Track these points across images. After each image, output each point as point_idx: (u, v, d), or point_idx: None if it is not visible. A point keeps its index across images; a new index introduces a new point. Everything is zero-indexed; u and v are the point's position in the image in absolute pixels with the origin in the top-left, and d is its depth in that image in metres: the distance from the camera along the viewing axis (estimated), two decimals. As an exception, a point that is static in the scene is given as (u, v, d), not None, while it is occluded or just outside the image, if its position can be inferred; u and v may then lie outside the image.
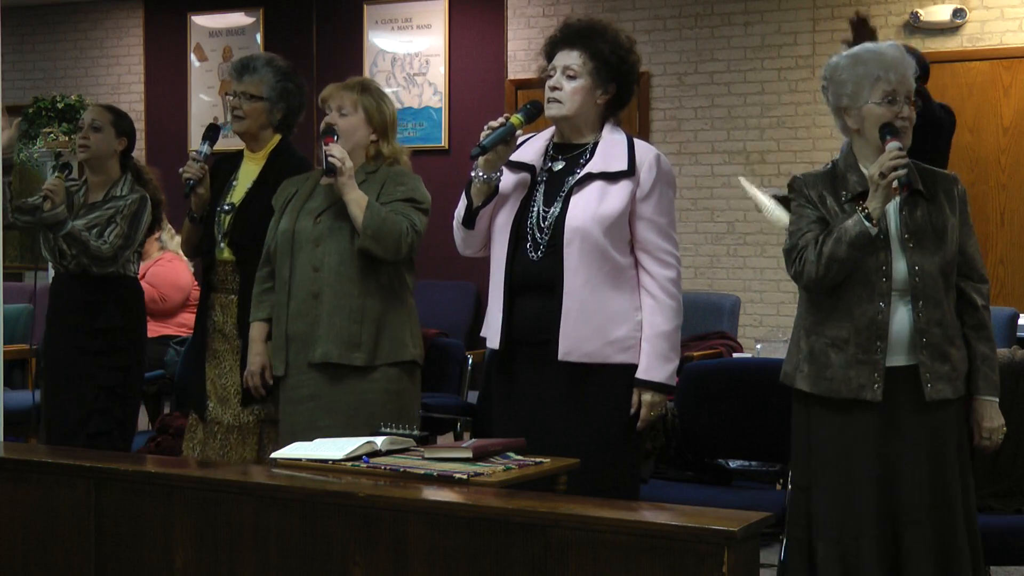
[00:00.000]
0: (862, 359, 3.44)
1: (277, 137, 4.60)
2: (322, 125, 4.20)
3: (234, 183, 4.58)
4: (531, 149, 3.81)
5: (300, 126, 4.71)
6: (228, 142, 4.68)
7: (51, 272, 5.14)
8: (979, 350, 3.54)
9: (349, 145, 4.14)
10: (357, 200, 4.02)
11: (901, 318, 3.45)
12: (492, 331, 3.75)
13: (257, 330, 4.24)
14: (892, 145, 3.39)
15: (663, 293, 3.67)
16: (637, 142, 3.75)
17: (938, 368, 3.44)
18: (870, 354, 3.44)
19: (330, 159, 4.02)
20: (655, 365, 3.65)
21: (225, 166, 4.62)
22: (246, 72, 4.55)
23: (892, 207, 3.48)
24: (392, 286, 4.12)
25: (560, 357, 3.60)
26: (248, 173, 4.59)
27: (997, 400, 3.55)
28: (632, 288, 3.67)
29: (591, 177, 3.67)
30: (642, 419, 3.68)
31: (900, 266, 3.45)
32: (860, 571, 3.42)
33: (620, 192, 3.64)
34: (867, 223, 3.39)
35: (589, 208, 3.62)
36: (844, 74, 3.53)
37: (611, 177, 3.65)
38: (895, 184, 3.36)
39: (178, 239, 5.58)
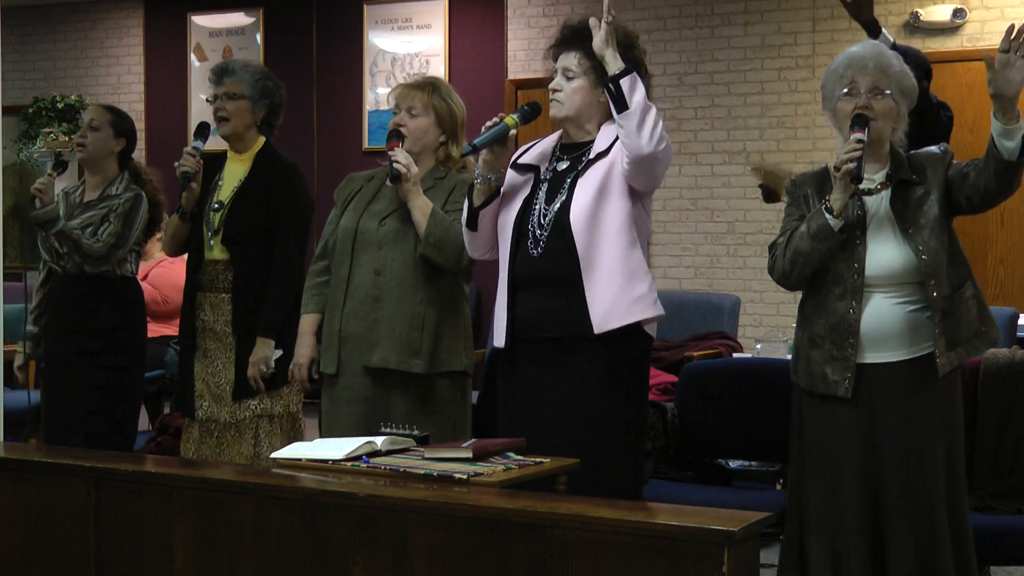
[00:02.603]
0: (836, 355, 3.48)
1: (262, 139, 4.64)
2: (389, 126, 4.16)
3: (219, 183, 4.62)
4: (538, 151, 3.83)
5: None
6: (210, 143, 4.69)
7: (40, 271, 5.14)
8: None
9: (419, 147, 4.10)
10: (421, 207, 3.97)
11: (876, 315, 3.46)
12: (498, 330, 3.76)
13: (308, 323, 4.20)
14: (853, 137, 3.41)
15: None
16: None
17: (947, 341, 3.44)
18: (842, 351, 3.47)
19: (395, 165, 3.97)
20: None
21: (208, 166, 4.64)
22: (225, 74, 4.63)
23: (880, 201, 3.49)
24: (451, 294, 4.07)
25: (596, 332, 3.59)
26: (234, 173, 4.62)
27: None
28: (631, 243, 3.66)
29: (591, 163, 3.69)
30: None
31: (883, 259, 3.46)
32: (846, 568, 3.43)
33: (616, 166, 3.65)
34: (828, 215, 3.42)
35: (592, 193, 3.63)
36: (823, 81, 3.61)
37: (605, 153, 3.68)
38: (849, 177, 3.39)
39: None
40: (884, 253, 3.46)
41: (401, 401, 4.00)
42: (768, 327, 7.91)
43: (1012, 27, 3.30)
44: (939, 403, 3.47)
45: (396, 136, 4.08)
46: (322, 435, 4.06)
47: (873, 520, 3.45)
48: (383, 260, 4.04)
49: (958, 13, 7.73)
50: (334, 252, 4.13)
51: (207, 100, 4.77)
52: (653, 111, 3.58)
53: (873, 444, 3.46)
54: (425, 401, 4.02)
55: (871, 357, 3.47)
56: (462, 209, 3.99)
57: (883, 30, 4.40)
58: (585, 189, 3.65)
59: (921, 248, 3.43)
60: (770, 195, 4.74)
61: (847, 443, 3.47)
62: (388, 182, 4.05)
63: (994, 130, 3.32)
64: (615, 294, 3.61)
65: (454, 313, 4.08)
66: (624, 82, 3.56)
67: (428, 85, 4.18)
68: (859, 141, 3.39)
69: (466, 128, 4.19)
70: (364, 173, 4.29)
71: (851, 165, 3.36)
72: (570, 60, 3.72)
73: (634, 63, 3.72)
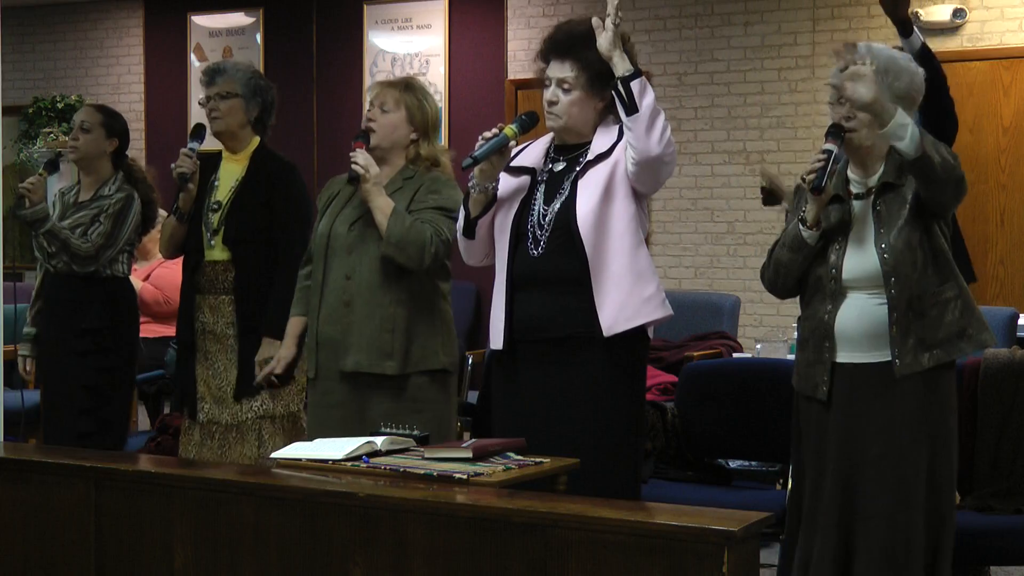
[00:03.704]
0: (815, 358, 3.51)
1: (256, 139, 4.64)
2: (363, 125, 4.18)
3: (216, 183, 4.62)
4: (532, 153, 3.82)
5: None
6: (205, 143, 4.69)
7: (37, 273, 5.16)
8: None
9: (388, 142, 4.11)
10: (382, 207, 3.98)
11: (853, 315, 3.46)
12: (495, 331, 3.75)
13: (292, 325, 4.23)
14: (821, 148, 3.42)
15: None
16: None
17: (905, 342, 3.41)
18: (820, 353, 3.49)
19: (353, 166, 3.99)
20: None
21: (203, 167, 4.63)
22: (216, 75, 4.65)
23: (864, 206, 3.49)
24: (424, 294, 4.07)
25: (606, 334, 3.60)
26: (230, 172, 4.62)
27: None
28: (635, 243, 3.66)
29: (590, 164, 3.68)
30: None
31: (860, 263, 3.46)
32: (815, 565, 3.44)
33: (619, 167, 3.65)
34: (802, 227, 3.46)
35: (596, 197, 3.63)
36: None
37: (606, 155, 3.67)
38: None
39: None
40: (858, 257, 3.46)
41: (379, 403, 4.03)
42: (768, 327, 7.91)
43: (842, 47, 3.36)
44: (918, 403, 3.43)
45: (362, 137, 4.10)
46: (310, 439, 4.08)
47: (848, 519, 3.45)
48: (352, 264, 4.07)
49: (958, 13, 7.73)
50: (314, 257, 4.19)
51: (199, 102, 4.78)
52: (662, 115, 3.58)
53: (850, 444, 3.46)
54: (404, 401, 4.03)
55: (847, 357, 3.48)
56: (428, 207, 4.02)
57: (916, 29, 4.38)
58: (589, 191, 3.64)
59: (884, 247, 3.43)
60: (770, 197, 4.70)
61: (827, 443, 3.49)
62: (348, 182, 4.05)
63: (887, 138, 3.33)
64: (624, 296, 3.62)
65: (429, 312, 4.08)
66: (634, 85, 3.56)
67: (402, 83, 4.21)
68: (824, 152, 3.39)
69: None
70: (342, 177, 4.29)
71: (812, 176, 3.38)
72: (565, 71, 3.70)
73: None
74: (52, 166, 5.03)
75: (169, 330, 6.53)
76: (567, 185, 3.70)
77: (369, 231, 4.04)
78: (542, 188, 3.75)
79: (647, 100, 3.55)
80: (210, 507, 3.19)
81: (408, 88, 4.17)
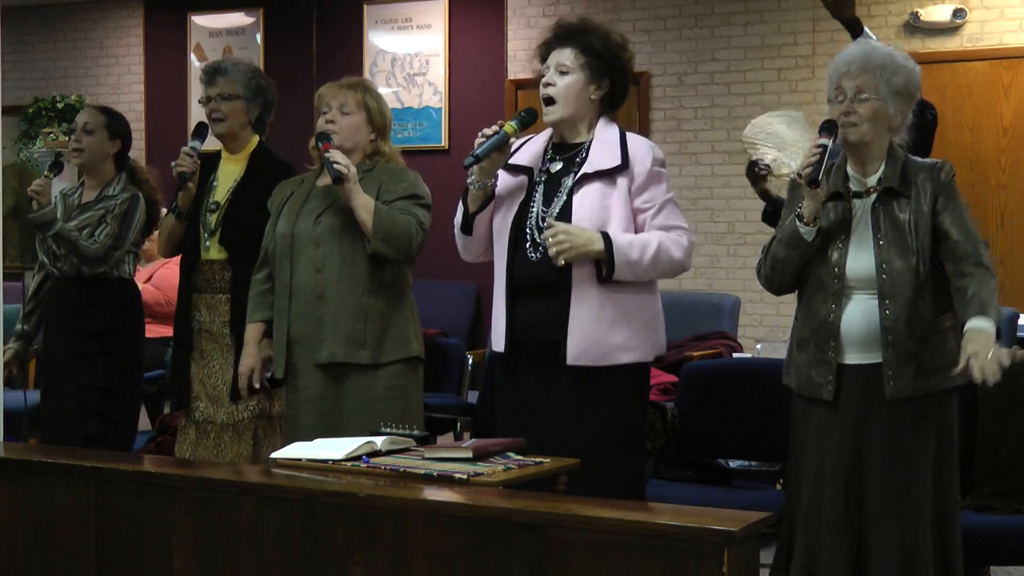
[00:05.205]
0: (819, 359, 3.48)
1: (256, 138, 4.64)
2: (317, 126, 4.19)
3: (214, 183, 4.62)
4: (529, 151, 3.82)
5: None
6: (205, 143, 4.69)
7: (34, 274, 5.15)
8: (972, 288, 3.35)
9: (350, 144, 4.15)
10: (364, 205, 4.00)
11: (858, 316, 3.44)
12: (496, 334, 3.76)
13: (252, 331, 4.24)
14: (815, 142, 3.41)
15: (677, 246, 3.68)
16: (629, 135, 3.76)
17: (902, 367, 3.39)
18: (824, 353, 3.47)
19: (336, 167, 4.00)
20: (622, 239, 3.60)
21: (202, 167, 4.63)
22: (217, 74, 4.63)
23: (865, 206, 3.48)
24: (395, 284, 4.12)
25: (569, 362, 3.60)
26: (228, 173, 4.62)
27: (988, 326, 3.30)
28: (636, 285, 3.67)
29: (588, 178, 3.67)
30: None
31: (863, 264, 3.44)
32: (825, 566, 3.43)
33: (618, 192, 3.64)
34: (799, 223, 3.43)
35: (594, 214, 3.62)
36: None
37: (607, 175, 3.66)
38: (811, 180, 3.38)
39: None
40: (862, 258, 3.45)
41: (354, 392, 4.05)
42: (768, 327, 7.91)
43: None
44: (926, 403, 3.43)
45: (325, 138, 4.12)
46: (287, 438, 4.10)
47: (856, 520, 3.44)
48: (322, 257, 4.08)
49: (958, 13, 7.73)
50: (274, 259, 4.18)
51: (199, 101, 4.76)
52: (650, 250, 3.59)
53: (857, 445, 3.45)
54: (379, 390, 4.06)
55: (854, 358, 3.46)
56: (399, 197, 4.06)
57: (865, 28, 4.37)
58: (585, 209, 3.64)
59: (884, 266, 3.41)
60: (755, 177, 4.57)
61: (832, 444, 3.47)
62: (332, 183, 4.04)
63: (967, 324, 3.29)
64: (600, 332, 3.63)
65: (400, 302, 4.12)
66: (623, 273, 3.58)
67: (360, 85, 4.26)
68: (820, 146, 3.38)
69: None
70: (295, 178, 4.34)
71: (808, 170, 3.37)
72: (565, 55, 3.72)
73: (621, 71, 3.73)
74: (57, 167, 5.03)
75: (169, 330, 6.52)
76: (564, 190, 3.69)
77: (337, 223, 4.08)
78: (540, 190, 3.75)
79: (639, 267, 3.59)
80: (210, 507, 3.19)
81: (367, 91, 4.24)
